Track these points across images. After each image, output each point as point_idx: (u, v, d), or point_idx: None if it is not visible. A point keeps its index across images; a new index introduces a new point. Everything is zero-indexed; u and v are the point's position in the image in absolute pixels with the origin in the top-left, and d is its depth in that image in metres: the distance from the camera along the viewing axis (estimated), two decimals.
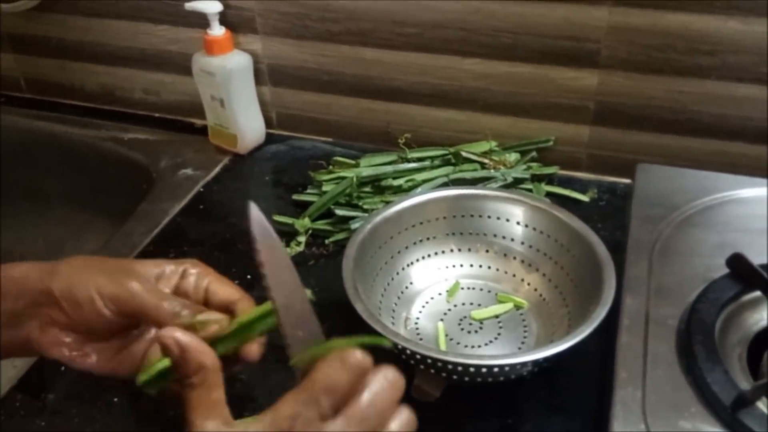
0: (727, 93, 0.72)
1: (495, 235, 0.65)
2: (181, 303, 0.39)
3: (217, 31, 0.81)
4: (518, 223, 0.64)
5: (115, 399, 0.58)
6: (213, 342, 0.38)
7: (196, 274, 0.43)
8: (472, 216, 0.65)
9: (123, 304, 0.39)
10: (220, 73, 0.82)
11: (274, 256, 0.36)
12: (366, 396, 0.34)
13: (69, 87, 1.02)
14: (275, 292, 0.36)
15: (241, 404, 0.56)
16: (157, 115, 0.99)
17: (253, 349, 0.40)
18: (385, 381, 0.35)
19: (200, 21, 0.83)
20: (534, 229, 0.63)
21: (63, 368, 0.61)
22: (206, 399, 0.35)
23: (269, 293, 0.36)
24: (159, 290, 0.40)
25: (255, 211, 0.36)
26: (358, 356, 0.34)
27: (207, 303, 0.42)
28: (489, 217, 0.65)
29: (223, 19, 0.82)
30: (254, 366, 0.42)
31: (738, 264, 0.53)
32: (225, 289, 0.42)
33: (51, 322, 0.40)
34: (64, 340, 0.40)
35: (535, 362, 0.50)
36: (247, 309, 0.41)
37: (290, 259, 0.37)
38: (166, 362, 0.38)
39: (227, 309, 0.41)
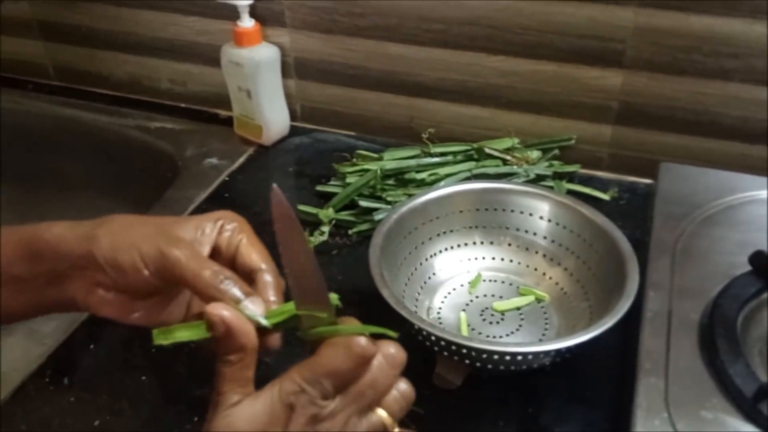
0: (751, 96, 0.73)
1: (518, 229, 0.66)
2: (221, 274, 0.39)
3: (247, 23, 0.83)
4: (541, 217, 0.65)
5: (143, 377, 0.59)
6: None
7: (231, 230, 0.42)
8: (495, 210, 0.66)
9: (164, 270, 0.39)
10: (249, 65, 0.83)
11: (291, 235, 0.37)
12: (366, 378, 0.36)
13: (97, 75, 1.03)
14: (288, 267, 0.37)
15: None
16: (183, 105, 1.00)
17: (276, 337, 0.40)
18: (384, 360, 0.36)
19: (229, 13, 0.84)
20: (557, 224, 0.64)
21: (92, 346, 0.62)
22: (239, 376, 0.36)
23: (284, 270, 0.37)
24: (200, 257, 0.40)
25: (277, 192, 0.36)
26: (363, 344, 0.35)
27: (234, 262, 0.42)
28: (513, 211, 0.66)
29: (253, 12, 0.83)
30: (280, 350, 0.42)
31: (760, 261, 0.54)
32: (252, 255, 0.42)
33: (96, 284, 0.40)
34: (111, 299, 0.41)
35: (558, 352, 0.51)
36: (269, 281, 0.40)
37: (307, 241, 0.38)
38: (193, 334, 0.38)
39: (250, 275, 0.41)
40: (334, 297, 0.39)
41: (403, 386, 0.38)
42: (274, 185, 0.36)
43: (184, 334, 0.38)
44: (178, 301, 0.43)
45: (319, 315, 0.37)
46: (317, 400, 0.35)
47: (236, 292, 0.38)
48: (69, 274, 0.41)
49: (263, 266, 0.41)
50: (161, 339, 0.38)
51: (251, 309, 0.38)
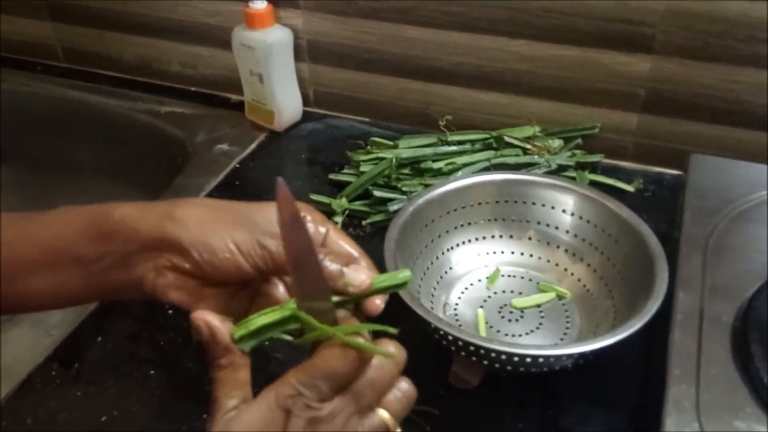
0: None
1: (539, 223, 0.63)
2: (321, 252, 0.38)
3: (259, 4, 0.80)
4: (564, 211, 0.62)
5: (152, 372, 0.58)
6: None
7: (312, 221, 0.42)
8: (516, 202, 0.63)
9: (263, 260, 0.38)
10: (260, 48, 0.81)
11: (295, 230, 0.36)
12: (366, 378, 0.35)
13: (106, 57, 1.01)
14: (292, 264, 0.36)
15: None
16: (193, 89, 0.98)
17: (377, 303, 0.40)
18: (384, 359, 0.36)
19: None
20: (581, 218, 0.61)
21: (99, 339, 0.61)
22: (232, 379, 0.36)
23: (288, 266, 0.37)
24: None
25: (282, 186, 0.35)
26: (360, 345, 0.34)
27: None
28: (534, 204, 0.63)
29: None
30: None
31: None
32: (345, 242, 0.42)
33: (171, 267, 0.39)
34: (182, 284, 0.39)
35: (581, 355, 0.49)
36: (365, 267, 0.40)
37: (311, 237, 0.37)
38: (269, 317, 0.37)
39: (346, 262, 0.40)
40: (407, 274, 0.39)
41: (405, 385, 0.37)
42: (279, 179, 0.36)
43: (262, 319, 0.37)
44: (240, 296, 0.42)
45: (321, 308, 0.36)
46: (314, 403, 0.34)
47: (337, 267, 0.38)
48: (139, 254, 0.39)
49: (355, 254, 0.41)
50: (242, 330, 0.37)
51: (354, 276, 0.38)
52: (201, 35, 0.92)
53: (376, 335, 0.36)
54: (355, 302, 0.39)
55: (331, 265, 0.38)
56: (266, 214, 0.40)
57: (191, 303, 0.40)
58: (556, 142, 0.78)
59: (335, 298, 0.38)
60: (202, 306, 0.40)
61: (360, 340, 0.35)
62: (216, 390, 0.36)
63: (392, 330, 0.36)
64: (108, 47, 1.00)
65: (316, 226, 0.41)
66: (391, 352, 0.36)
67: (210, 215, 0.39)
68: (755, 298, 0.50)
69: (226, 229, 0.38)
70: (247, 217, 0.40)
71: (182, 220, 0.39)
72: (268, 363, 0.57)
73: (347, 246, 0.42)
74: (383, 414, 0.36)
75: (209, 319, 0.36)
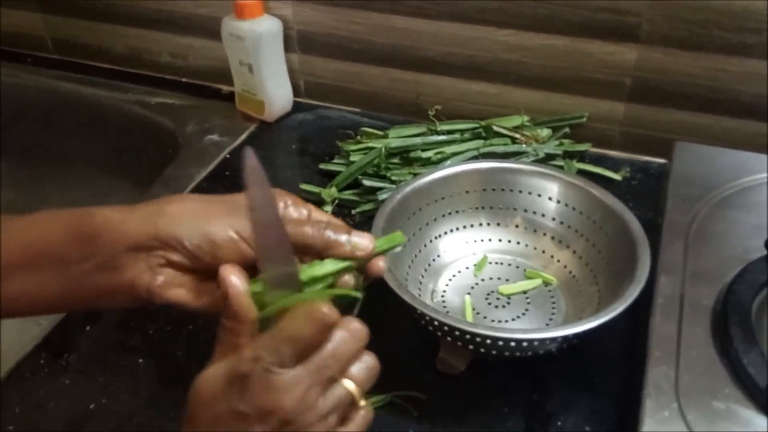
0: None
1: (526, 210, 0.64)
2: (320, 224, 0.39)
3: None
4: (550, 198, 0.63)
5: (140, 360, 0.58)
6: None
7: (293, 204, 0.42)
8: (503, 190, 0.64)
9: None
10: (250, 38, 0.81)
11: (263, 200, 0.37)
12: (327, 348, 0.35)
13: (96, 49, 1.01)
14: (257, 232, 0.37)
15: None
16: (184, 80, 0.98)
17: (380, 264, 0.41)
18: (347, 332, 0.36)
19: None
20: (566, 205, 0.62)
21: (88, 328, 0.61)
22: (228, 341, 0.36)
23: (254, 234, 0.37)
24: (294, 220, 0.40)
25: (250, 154, 0.37)
26: (324, 310, 0.35)
27: None
28: (521, 191, 0.64)
29: None
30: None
31: None
32: (329, 219, 0.43)
33: (167, 265, 0.39)
34: (181, 281, 0.40)
35: (565, 338, 0.49)
36: (368, 240, 0.41)
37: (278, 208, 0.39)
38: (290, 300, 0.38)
39: (346, 231, 0.41)
40: (399, 234, 0.42)
41: (368, 358, 0.37)
42: (247, 148, 0.37)
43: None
44: None
45: (286, 272, 0.37)
46: (273, 367, 0.34)
47: (341, 236, 0.40)
48: (127, 257, 0.39)
49: (348, 228, 0.42)
50: (256, 287, 0.38)
51: (359, 242, 0.40)
52: (191, 26, 0.92)
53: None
54: (359, 267, 0.41)
55: (333, 235, 0.39)
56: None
57: (191, 301, 0.40)
58: (545, 132, 0.78)
59: (341, 264, 0.39)
60: (201, 303, 0.40)
61: (324, 305, 0.35)
62: (216, 345, 0.37)
63: (357, 294, 0.38)
64: (98, 38, 1.00)
65: (297, 209, 0.42)
66: (355, 293, 0.38)
67: (202, 208, 0.40)
68: (735, 282, 0.51)
69: (222, 218, 0.39)
70: (238, 205, 0.40)
71: (175, 215, 0.39)
72: None
73: (333, 221, 0.42)
74: (348, 384, 0.36)
75: (232, 279, 0.37)
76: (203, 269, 0.39)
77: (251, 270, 0.39)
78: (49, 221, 0.41)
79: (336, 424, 0.36)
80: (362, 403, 0.37)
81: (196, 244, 0.38)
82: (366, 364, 0.37)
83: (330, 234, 0.39)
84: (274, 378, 0.34)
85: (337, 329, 0.36)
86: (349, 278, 0.40)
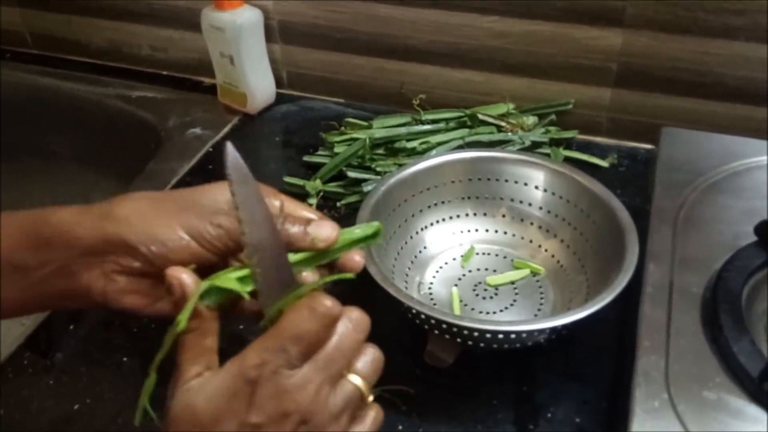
0: (756, 55, 0.69)
1: (512, 200, 0.63)
2: (278, 218, 0.38)
3: None
4: (537, 187, 0.62)
5: (125, 359, 0.57)
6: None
7: (266, 195, 0.40)
8: (488, 179, 0.63)
9: (219, 239, 0.37)
10: (230, 29, 0.80)
11: (248, 195, 0.36)
12: (332, 342, 0.34)
13: (75, 43, 0.99)
14: (248, 233, 0.36)
15: None
16: (165, 72, 0.97)
17: (356, 259, 0.40)
18: (349, 323, 0.35)
19: None
20: (553, 193, 0.61)
21: (71, 327, 0.60)
22: (198, 344, 0.35)
23: (243, 235, 0.36)
24: None
25: (231, 150, 0.36)
26: (327, 304, 0.34)
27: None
28: (507, 181, 0.63)
29: None
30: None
31: (766, 231, 0.51)
32: (303, 209, 0.41)
33: (120, 271, 0.37)
34: (136, 287, 0.38)
35: (553, 329, 0.49)
36: (329, 229, 0.39)
37: (264, 199, 0.37)
38: (232, 274, 0.36)
39: (306, 223, 0.40)
40: (376, 224, 0.40)
41: (371, 350, 0.36)
42: (228, 143, 0.36)
43: (227, 274, 0.37)
44: None
45: (281, 269, 0.36)
46: (282, 369, 0.32)
47: (298, 228, 0.38)
48: (81, 262, 0.37)
49: (315, 217, 0.41)
50: (205, 284, 0.36)
51: (318, 231, 0.38)
52: (171, 18, 0.91)
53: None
54: (331, 262, 0.39)
55: (291, 228, 0.38)
56: (212, 195, 0.40)
57: (147, 306, 0.39)
58: (531, 119, 0.77)
59: (300, 256, 0.38)
60: (159, 308, 0.39)
61: (327, 298, 0.34)
62: (180, 354, 0.34)
63: (350, 276, 0.37)
64: (77, 32, 0.98)
65: (270, 200, 0.40)
66: (350, 275, 0.37)
67: (152, 207, 0.38)
68: (725, 269, 0.50)
69: (171, 218, 0.37)
70: (192, 202, 0.39)
71: (122, 218, 0.37)
72: (244, 343, 0.57)
73: (305, 212, 0.41)
74: (355, 380, 0.35)
75: (183, 278, 0.35)
76: (158, 273, 0.37)
77: (206, 269, 0.37)
78: (6, 226, 0.39)
79: (347, 424, 0.35)
80: (370, 398, 0.36)
81: (146, 248, 0.37)
82: (370, 357, 0.36)
83: (288, 227, 0.38)
84: (285, 381, 0.32)
85: (339, 321, 0.35)
86: (308, 275, 0.39)
